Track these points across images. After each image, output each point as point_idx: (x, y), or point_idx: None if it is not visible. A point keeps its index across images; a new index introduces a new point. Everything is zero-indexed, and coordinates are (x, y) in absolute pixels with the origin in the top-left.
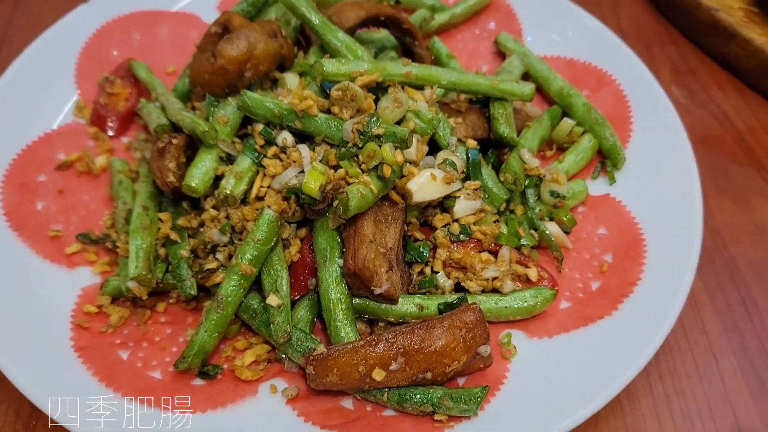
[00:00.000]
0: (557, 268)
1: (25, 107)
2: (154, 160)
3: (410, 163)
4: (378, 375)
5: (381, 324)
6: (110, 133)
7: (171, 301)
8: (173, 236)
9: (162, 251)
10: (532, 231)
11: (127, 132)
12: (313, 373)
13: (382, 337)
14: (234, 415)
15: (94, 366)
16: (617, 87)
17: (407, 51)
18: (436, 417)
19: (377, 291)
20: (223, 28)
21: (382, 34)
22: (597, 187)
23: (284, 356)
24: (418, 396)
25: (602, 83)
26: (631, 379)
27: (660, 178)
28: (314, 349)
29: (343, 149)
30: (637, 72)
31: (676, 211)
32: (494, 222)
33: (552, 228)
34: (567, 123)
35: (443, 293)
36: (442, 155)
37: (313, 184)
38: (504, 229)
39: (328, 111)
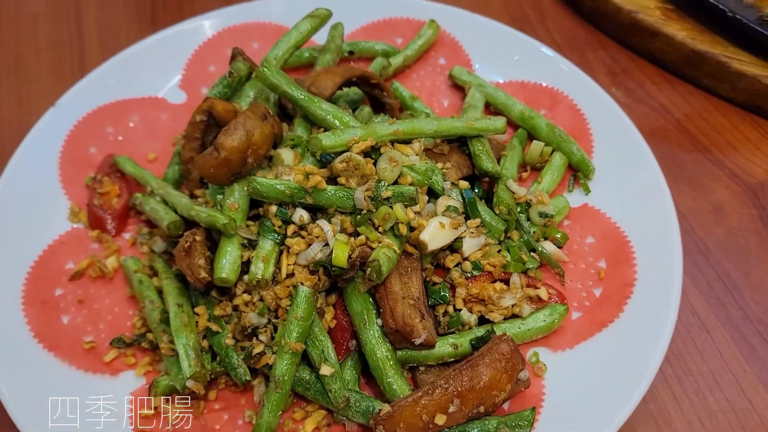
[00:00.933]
0: (560, 282)
1: (22, 224)
2: (181, 260)
3: (416, 214)
4: (440, 420)
5: (422, 368)
6: (111, 232)
7: (221, 387)
8: (214, 327)
9: (204, 343)
10: (531, 253)
11: (126, 228)
12: (383, 431)
13: (437, 384)
14: None
15: None
16: (570, 102)
17: (375, 101)
18: None
19: (418, 341)
20: (208, 115)
21: (350, 89)
22: (574, 198)
23: (343, 418)
24: (476, 430)
25: (556, 100)
26: (657, 371)
27: (629, 180)
28: (377, 409)
29: (358, 217)
30: (584, 83)
31: (652, 208)
32: (498, 252)
33: (548, 247)
34: (537, 145)
35: (470, 328)
36: (442, 202)
37: (341, 256)
38: (508, 257)
39: (332, 180)
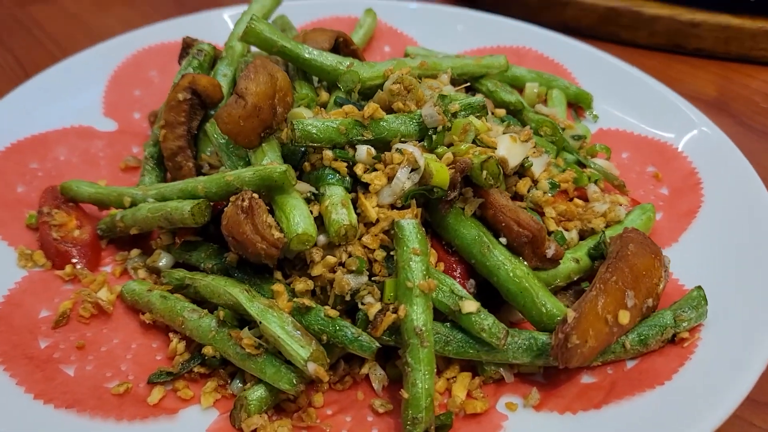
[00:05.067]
0: (623, 192)
1: None
2: (240, 227)
3: None
4: (623, 317)
5: None
6: (83, 266)
7: (324, 390)
8: (307, 303)
9: None
10: (585, 169)
11: (101, 262)
12: (577, 342)
13: (601, 280)
14: None
15: None
16: (536, 53)
17: None
18: (678, 338)
19: (550, 253)
20: (192, 92)
21: None
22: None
23: (497, 369)
24: (655, 327)
25: (521, 55)
26: None
27: (621, 94)
28: (539, 340)
29: (434, 136)
30: (544, 35)
31: (661, 108)
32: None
33: (599, 161)
34: (530, 86)
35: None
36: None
37: (442, 173)
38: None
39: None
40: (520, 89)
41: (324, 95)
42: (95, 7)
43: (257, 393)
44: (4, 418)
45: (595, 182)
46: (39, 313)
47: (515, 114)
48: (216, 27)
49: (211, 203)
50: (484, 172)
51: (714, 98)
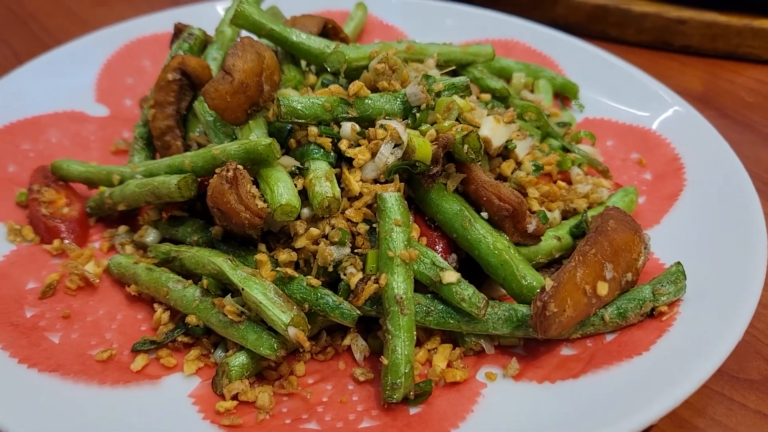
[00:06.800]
0: (606, 178)
1: None
2: (224, 196)
3: None
4: (602, 288)
5: None
6: (68, 243)
7: (305, 359)
8: (290, 272)
9: None
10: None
11: (89, 239)
12: (555, 310)
13: (580, 252)
14: (478, 423)
15: None
16: (524, 45)
17: None
18: (657, 312)
19: (531, 228)
20: (180, 73)
21: None
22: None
23: (476, 340)
24: (634, 301)
25: (509, 48)
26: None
27: (607, 84)
28: (518, 311)
29: (418, 114)
30: (530, 28)
31: (637, 96)
32: (545, 154)
33: (584, 147)
34: (517, 76)
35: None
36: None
37: (425, 147)
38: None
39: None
40: (507, 80)
41: (312, 78)
42: (93, 3)
43: (239, 359)
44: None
45: (579, 166)
46: (26, 285)
47: (501, 100)
48: (209, 18)
49: (198, 179)
50: (466, 147)
51: (700, 93)
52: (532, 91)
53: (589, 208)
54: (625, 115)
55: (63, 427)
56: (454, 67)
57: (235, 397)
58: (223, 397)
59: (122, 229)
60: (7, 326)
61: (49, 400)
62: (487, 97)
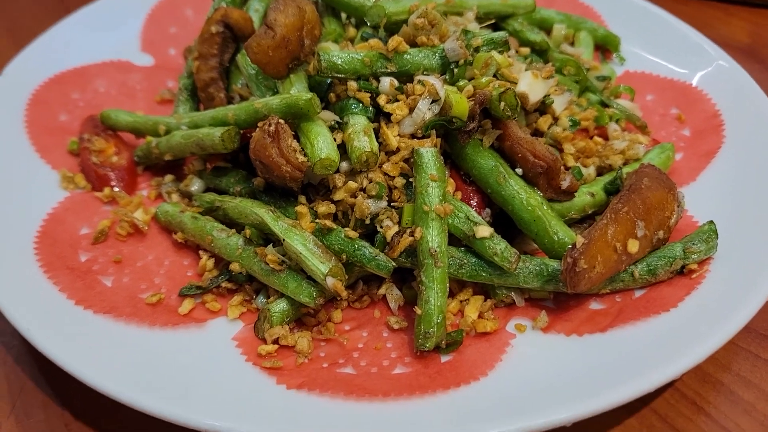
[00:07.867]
0: (645, 133)
1: (8, 202)
2: (266, 150)
3: None
4: (633, 246)
5: None
6: (121, 189)
7: (342, 307)
8: (328, 224)
9: None
10: (608, 109)
11: (137, 186)
12: (585, 267)
13: (612, 210)
14: (506, 372)
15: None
16: (596, 16)
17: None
18: (687, 269)
19: (564, 185)
20: (224, 26)
21: None
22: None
23: (508, 293)
24: (664, 258)
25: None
26: None
27: (652, 39)
28: (550, 266)
29: (456, 69)
30: None
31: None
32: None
33: (623, 102)
34: (557, 28)
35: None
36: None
37: (462, 104)
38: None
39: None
40: (548, 31)
41: (352, 31)
42: None
43: (280, 306)
44: (49, 321)
45: (617, 122)
46: (79, 230)
47: (540, 54)
48: None
49: (241, 131)
50: (502, 104)
51: (746, 45)
52: (572, 44)
53: (625, 164)
54: (666, 70)
55: (117, 364)
56: (493, 20)
57: (275, 341)
58: (264, 341)
59: (168, 178)
60: (65, 270)
61: (104, 340)
62: (526, 50)
